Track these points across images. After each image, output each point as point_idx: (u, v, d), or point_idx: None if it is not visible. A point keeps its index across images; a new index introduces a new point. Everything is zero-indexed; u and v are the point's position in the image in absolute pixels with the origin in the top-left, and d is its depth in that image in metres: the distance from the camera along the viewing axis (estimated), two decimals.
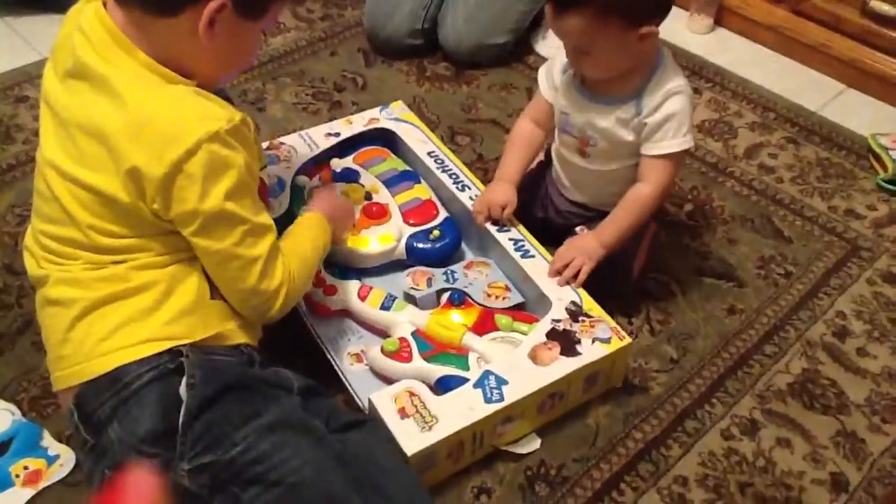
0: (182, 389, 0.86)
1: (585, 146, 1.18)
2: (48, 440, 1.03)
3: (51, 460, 1.02)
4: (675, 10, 1.87)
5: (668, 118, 1.11)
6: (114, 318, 0.89)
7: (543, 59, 1.73)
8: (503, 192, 1.21)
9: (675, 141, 1.12)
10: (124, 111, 0.86)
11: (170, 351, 0.88)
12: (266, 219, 0.94)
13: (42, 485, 1.00)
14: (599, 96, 1.15)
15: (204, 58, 0.90)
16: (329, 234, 1.08)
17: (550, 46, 1.74)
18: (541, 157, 1.31)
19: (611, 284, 1.18)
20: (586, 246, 1.15)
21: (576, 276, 1.14)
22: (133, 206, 0.87)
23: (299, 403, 0.91)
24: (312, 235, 1.05)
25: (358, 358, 1.12)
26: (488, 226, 1.22)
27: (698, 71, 1.75)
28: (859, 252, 1.38)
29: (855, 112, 1.66)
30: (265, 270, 0.92)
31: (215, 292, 0.94)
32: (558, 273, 1.14)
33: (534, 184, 1.30)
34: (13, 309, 1.20)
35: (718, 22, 1.87)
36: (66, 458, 1.02)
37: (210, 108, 0.88)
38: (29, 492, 0.99)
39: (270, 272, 0.93)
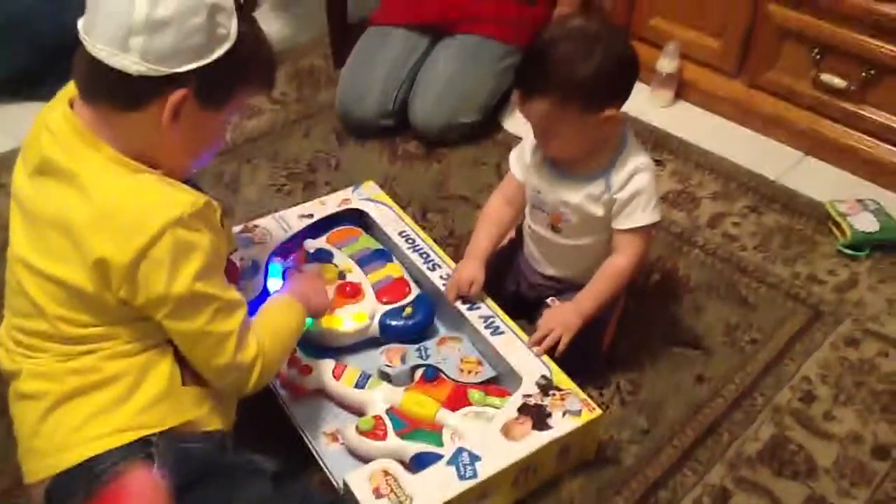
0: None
1: (558, 222, 1.22)
2: None
3: None
4: (637, 84, 1.96)
5: (636, 194, 1.16)
6: (84, 410, 0.90)
7: (511, 135, 1.79)
8: (470, 269, 1.24)
9: (644, 214, 1.17)
10: (89, 204, 0.88)
11: (140, 440, 0.89)
12: (235, 294, 0.96)
13: None
14: (569, 174, 1.20)
15: (170, 148, 0.93)
16: (301, 314, 1.09)
17: (518, 123, 1.80)
18: (511, 234, 1.35)
19: (581, 357, 1.20)
20: (566, 317, 1.18)
21: (555, 346, 1.16)
22: (99, 296, 0.89)
23: (271, 489, 0.92)
24: (283, 314, 1.07)
25: (334, 438, 1.13)
26: (458, 304, 1.25)
27: (661, 143, 1.81)
28: (822, 317, 1.41)
29: (814, 179, 1.72)
30: (239, 344, 0.94)
31: (187, 378, 0.95)
32: (538, 343, 1.17)
33: (506, 259, 1.34)
34: None
35: (679, 95, 1.94)
36: None
37: (173, 194, 0.90)
38: None
39: (244, 345, 0.95)
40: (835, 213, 1.58)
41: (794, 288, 1.47)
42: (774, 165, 1.76)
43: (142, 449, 0.89)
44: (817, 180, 1.72)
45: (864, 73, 1.65)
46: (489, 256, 1.27)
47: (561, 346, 1.16)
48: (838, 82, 1.69)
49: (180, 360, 0.96)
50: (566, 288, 1.27)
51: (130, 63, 0.86)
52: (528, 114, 1.14)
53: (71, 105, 0.93)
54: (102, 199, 0.88)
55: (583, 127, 1.12)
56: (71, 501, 0.88)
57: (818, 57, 1.70)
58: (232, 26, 0.91)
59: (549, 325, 1.18)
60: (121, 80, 0.87)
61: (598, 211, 1.19)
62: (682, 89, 1.93)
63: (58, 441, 0.90)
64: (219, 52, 0.89)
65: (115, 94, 0.89)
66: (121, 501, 0.81)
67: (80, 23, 0.89)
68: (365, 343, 1.25)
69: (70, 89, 0.95)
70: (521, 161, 1.26)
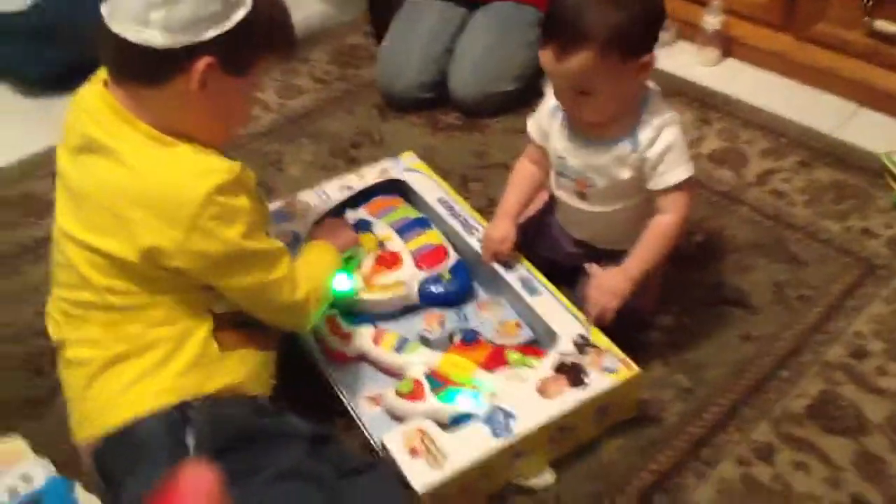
0: (190, 443, 0.90)
1: (584, 188, 1.20)
2: (80, 493, 1.08)
3: None
4: (682, 43, 1.94)
5: (667, 149, 1.13)
6: (127, 375, 0.94)
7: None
8: (500, 227, 1.25)
9: (680, 169, 1.14)
10: (131, 178, 0.92)
11: (180, 405, 0.93)
12: (278, 243, 1.03)
13: None
14: (593, 138, 1.17)
15: (201, 118, 0.97)
16: (331, 250, 1.18)
17: None
18: (545, 197, 1.34)
19: (627, 318, 1.19)
20: (615, 285, 1.13)
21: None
22: (144, 266, 0.93)
23: (307, 451, 0.95)
24: (315, 254, 1.16)
25: (375, 401, 1.15)
26: (496, 266, 1.25)
27: (708, 102, 1.77)
28: (876, 271, 1.37)
29: (868, 131, 1.66)
30: (292, 285, 1.02)
31: (226, 344, 0.99)
32: (595, 317, 1.14)
33: (540, 224, 1.33)
34: (50, 375, 1.26)
35: (726, 53, 1.89)
36: None
37: (209, 161, 0.95)
38: None
39: (296, 284, 1.03)
40: (891, 164, 1.52)
41: (847, 242, 1.42)
42: (827, 119, 1.70)
43: (182, 414, 0.92)
44: (873, 132, 1.66)
45: None
46: (520, 217, 1.26)
47: (610, 315, 1.13)
48: (893, 28, 1.62)
49: (219, 326, 0.99)
50: (601, 255, 1.24)
51: (154, 36, 0.89)
52: (562, 73, 1.09)
53: (105, 85, 0.97)
54: (143, 174, 0.92)
55: (620, 79, 1.09)
56: (115, 466, 0.92)
57: (870, 3, 1.63)
58: None
59: (599, 298, 1.13)
60: (147, 56, 0.90)
61: (626, 173, 1.16)
62: (728, 46, 1.88)
63: (102, 404, 0.94)
64: (236, 17, 0.92)
65: (143, 70, 0.93)
66: (178, 499, 0.83)
67: (103, 8, 0.93)
68: (405, 310, 1.27)
69: (103, 72, 0.98)
70: (538, 129, 1.24)
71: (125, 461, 0.91)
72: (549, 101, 1.20)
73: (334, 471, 0.94)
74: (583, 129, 1.18)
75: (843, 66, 1.73)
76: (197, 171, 0.93)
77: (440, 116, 1.78)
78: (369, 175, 1.46)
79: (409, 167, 1.47)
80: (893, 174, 1.52)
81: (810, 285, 1.35)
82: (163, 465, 0.88)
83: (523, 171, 1.29)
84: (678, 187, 1.15)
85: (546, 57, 1.10)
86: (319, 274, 1.11)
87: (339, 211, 1.40)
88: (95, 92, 0.97)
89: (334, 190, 1.43)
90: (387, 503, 0.93)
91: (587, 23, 1.05)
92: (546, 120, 1.23)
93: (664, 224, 1.16)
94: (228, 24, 0.92)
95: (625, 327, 1.18)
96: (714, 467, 1.10)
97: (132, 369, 0.94)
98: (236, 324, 1.01)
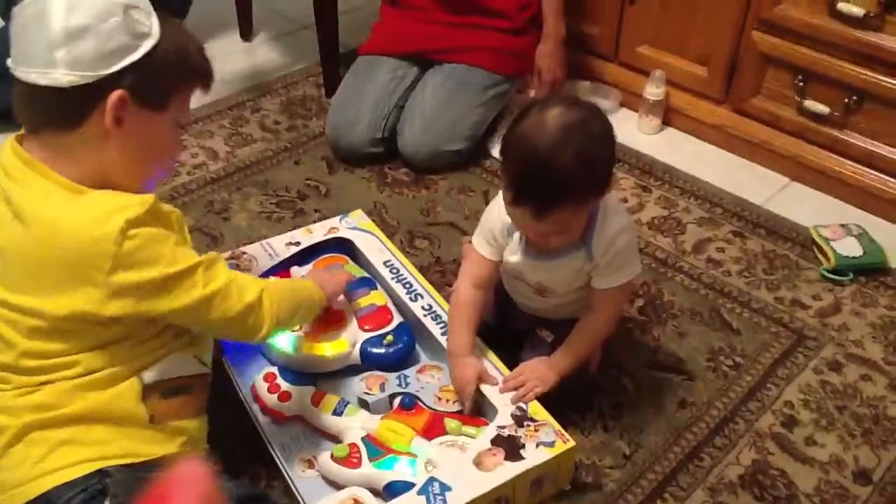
0: None
1: (543, 293, 1.23)
2: None
3: None
4: (625, 111, 2.01)
5: (617, 255, 1.15)
6: (46, 443, 0.90)
7: (499, 163, 1.81)
8: (468, 367, 1.18)
9: (625, 272, 1.17)
10: (43, 236, 0.89)
11: (98, 472, 0.90)
12: (206, 254, 0.98)
13: None
14: (549, 255, 1.16)
15: (124, 158, 0.94)
16: (311, 288, 1.14)
17: None
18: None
19: (569, 383, 1.20)
20: (541, 373, 1.17)
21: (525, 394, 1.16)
22: (76, 318, 0.90)
23: None
24: (291, 282, 1.14)
25: (310, 464, 1.14)
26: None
27: (648, 169, 1.82)
28: (805, 342, 1.42)
29: (799, 205, 1.73)
30: (240, 288, 0.98)
31: (158, 415, 0.96)
32: (511, 389, 1.16)
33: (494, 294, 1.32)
34: None
35: (666, 122, 1.96)
36: None
37: (119, 198, 0.91)
38: None
39: (244, 287, 0.99)
40: (819, 238, 1.59)
41: (778, 312, 1.47)
42: (760, 191, 1.77)
43: (101, 481, 0.89)
44: (802, 205, 1.73)
45: (847, 100, 1.67)
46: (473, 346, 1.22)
47: (530, 397, 1.15)
48: (822, 109, 1.71)
49: (148, 397, 0.96)
50: (549, 323, 1.27)
51: (60, 75, 0.88)
52: (539, 228, 1.09)
53: (20, 142, 0.95)
54: (57, 226, 0.89)
55: (588, 209, 1.11)
56: None
57: (802, 84, 1.72)
58: (153, 24, 0.93)
59: (524, 378, 1.17)
60: (57, 98, 0.89)
61: (583, 280, 1.19)
62: (668, 116, 1.95)
63: (20, 474, 0.90)
64: (143, 49, 0.91)
65: (55, 113, 0.91)
66: (170, 496, 0.79)
67: (10, 60, 0.91)
68: (346, 370, 1.26)
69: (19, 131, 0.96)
70: (491, 244, 1.20)
71: None
72: (502, 219, 1.16)
73: None
74: (537, 247, 1.17)
75: (776, 141, 1.81)
76: (107, 210, 0.89)
77: (389, 171, 1.80)
78: (317, 232, 1.45)
79: (356, 226, 1.47)
80: (821, 247, 1.58)
81: (743, 353, 1.39)
82: None
83: (468, 302, 1.21)
84: (619, 287, 1.18)
85: (519, 215, 1.09)
86: (282, 292, 1.05)
87: (285, 267, 1.39)
88: (9, 149, 0.94)
89: (280, 245, 1.42)
90: None
91: (562, 187, 1.04)
92: (500, 237, 1.19)
93: (596, 322, 1.20)
94: (135, 56, 0.90)
95: (570, 386, 1.20)
96: None
97: (52, 437, 0.91)
98: (166, 393, 0.98)
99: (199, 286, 0.94)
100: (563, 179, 1.03)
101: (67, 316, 0.90)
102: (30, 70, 0.89)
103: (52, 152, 0.92)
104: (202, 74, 1.00)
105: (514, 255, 1.19)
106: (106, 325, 0.92)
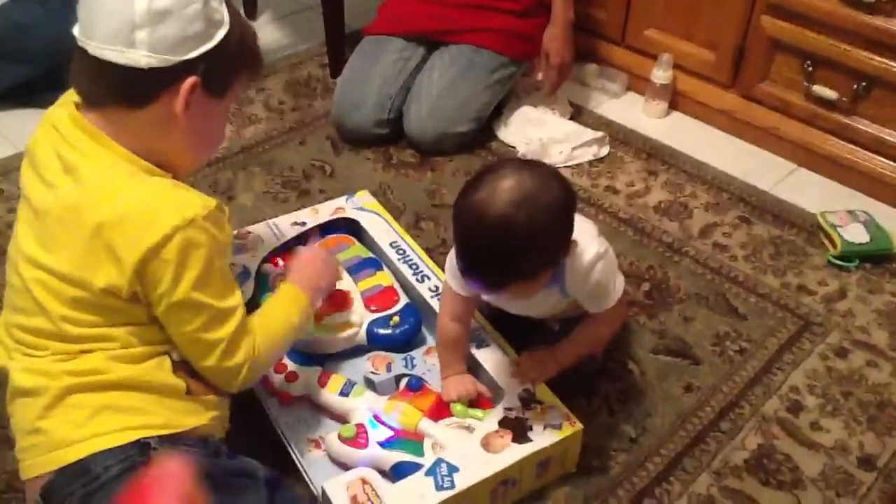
0: None
1: (526, 316, 1.22)
2: None
3: None
4: (631, 94, 2.00)
5: (596, 287, 1.09)
6: (88, 406, 0.91)
7: (505, 145, 1.80)
8: (463, 380, 1.17)
9: (610, 298, 1.12)
10: (102, 201, 0.90)
11: (138, 443, 0.90)
12: (233, 301, 0.97)
13: None
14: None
15: (179, 142, 0.96)
16: (304, 303, 1.09)
17: (511, 132, 1.82)
18: None
19: (576, 367, 1.20)
20: (544, 367, 1.15)
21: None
22: (108, 293, 0.90)
23: (266, 495, 0.93)
24: (286, 310, 1.07)
25: (317, 444, 1.14)
26: None
27: (654, 153, 1.81)
28: (811, 328, 1.42)
29: (805, 191, 1.73)
30: (227, 350, 0.96)
31: (192, 387, 0.97)
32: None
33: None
34: None
35: (673, 106, 1.95)
36: None
37: (187, 197, 0.93)
38: None
39: (233, 351, 0.96)
40: (826, 224, 1.59)
41: (784, 298, 1.47)
42: (767, 177, 1.76)
43: (140, 452, 0.89)
44: (809, 192, 1.72)
45: (855, 86, 1.66)
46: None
47: (537, 383, 1.14)
48: (830, 94, 1.70)
49: (178, 371, 0.97)
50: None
51: (140, 57, 0.88)
52: (498, 299, 1.08)
53: (77, 108, 0.95)
54: (115, 197, 0.90)
55: (547, 277, 1.05)
56: (67, 501, 0.88)
57: (810, 69, 1.71)
58: (224, 12, 0.94)
59: (527, 372, 1.15)
60: (130, 77, 0.89)
61: (568, 301, 1.14)
62: (675, 100, 1.94)
63: (59, 437, 0.90)
64: (218, 37, 0.93)
65: (125, 92, 0.91)
66: (150, 494, 0.80)
67: (77, 29, 0.91)
68: (352, 351, 1.26)
69: (72, 94, 0.96)
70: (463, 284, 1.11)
71: (80, 496, 0.87)
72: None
73: None
74: None
75: (784, 127, 1.80)
76: (172, 203, 0.91)
77: (394, 153, 1.79)
78: (323, 211, 1.45)
79: (362, 206, 1.46)
80: (827, 233, 1.58)
81: (749, 339, 1.39)
82: None
83: (450, 337, 1.18)
84: (611, 308, 1.13)
85: (477, 291, 1.07)
86: (273, 339, 1.02)
87: (291, 246, 1.39)
88: (67, 114, 0.94)
89: (286, 225, 1.41)
90: None
91: (512, 266, 0.98)
92: None
93: (599, 331, 1.18)
94: (211, 44, 0.92)
95: (575, 371, 1.20)
96: None
97: (92, 402, 0.91)
98: (193, 373, 0.98)
99: (197, 325, 0.93)
100: (514, 260, 0.97)
101: (105, 289, 0.90)
102: (105, 46, 0.88)
103: (113, 127, 0.93)
104: (256, 63, 1.03)
105: (485, 295, 1.14)
106: (133, 303, 0.92)
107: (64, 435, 0.90)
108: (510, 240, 0.95)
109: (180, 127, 0.94)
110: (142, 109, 0.92)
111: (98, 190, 0.91)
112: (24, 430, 0.94)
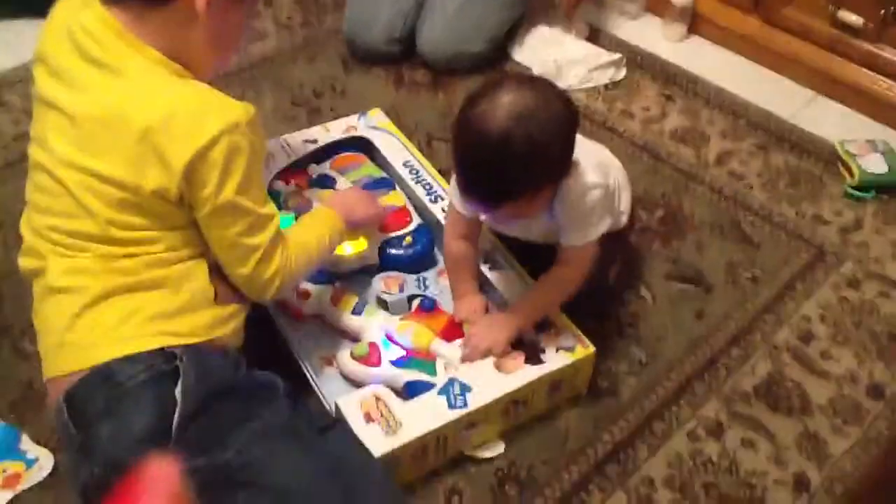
0: (178, 392, 0.88)
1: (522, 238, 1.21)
2: (27, 443, 1.05)
3: (29, 463, 1.03)
4: (649, 17, 1.94)
5: (584, 213, 1.07)
6: (122, 309, 0.91)
7: (520, 66, 1.76)
8: (471, 301, 1.16)
9: (590, 231, 1.09)
10: (148, 106, 0.89)
11: (164, 352, 0.90)
12: (270, 209, 0.98)
13: (20, 487, 1.01)
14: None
15: (201, 44, 0.95)
16: (337, 226, 1.10)
17: (526, 53, 1.77)
18: None
19: (587, 289, 1.19)
20: (495, 334, 1.09)
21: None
22: (157, 195, 0.90)
23: (288, 406, 0.93)
24: (319, 228, 1.09)
25: (328, 361, 1.14)
26: None
27: (671, 78, 1.77)
28: (825, 257, 1.41)
29: (825, 119, 1.70)
30: (263, 258, 0.97)
31: (220, 296, 0.97)
32: (469, 360, 1.09)
33: None
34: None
35: (692, 30, 1.90)
36: (44, 461, 1.03)
37: (227, 101, 0.92)
38: (7, 494, 1.00)
39: (268, 260, 0.97)
40: (844, 153, 1.56)
41: (799, 227, 1.46)
42: (786, 104, 1.73)
43: (167, 361, 0.90)
44: (828, 120, 1.69)
45: (883, 11, 1.61)
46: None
47: (475, 357, 1.08)
48: (855, 20, 1.65)
49: (216, 277, 0.97)
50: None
51: None
52: (496, 217, 1.05)
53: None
54: (159, 100, 0.90)
55: (548, 195, 1.03)
56: (91, 405, 0.89)
57: None
58: None
59: (481, 341, 1.09)
60: None
61: (555, 227, 1.11)
62: (695, 23, 1.89)
63: (92, 339, 0.91)
64: None
65: None
66: (138, 494, 0.80)
67: None
68: (364, 270, 1.25)
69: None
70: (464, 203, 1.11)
71: (104, 402, 0.88)
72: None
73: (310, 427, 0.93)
74: None
75: (806, 54, 1.75)
76: (217, 105, 0.91)
77: (406, 72, 1.75)
78: (335, 130, 1.42)
79: (375, 125, 1.44)
80: (846, 163, 1.56)
81: (762, 267, 1.38)
82: (147, 411, 0.87)
83: (459, 256, 1.17)
84: (587, 244, 1.10)
85: (476, 209, 1.05)
86: (304, 254, 1.03)
87: (301, 164, 1.37)
88: (94, 15, 0.91)
89: (297, 143, 1.39)
90: (360, 457, 0.93)
91: (511, 183, 0.96)
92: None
93: (563, 278, 1.12)
94: None
95: (588, 295, 1.18)
96: (665, 441, 1.13)
97: (127, 305, 0.91)
98: (223, 277, 0.98)
99: (238, 229, 0.94)
100: (512, 176, 0.95)
101: (155, 191, 0.90)
102: None
103: (135, 25, 0.91)
104: None
105: (482, 216, 1.13)
106: (179, 206, 0.92)
107: (97, 336, 0.91)
108: (508, 154, 0.93)
109: (200, 29, 0.93)
110: (164, 6, 0.91)
111: (141, 93, 0.90)
112: (55, 329, 0.94)
